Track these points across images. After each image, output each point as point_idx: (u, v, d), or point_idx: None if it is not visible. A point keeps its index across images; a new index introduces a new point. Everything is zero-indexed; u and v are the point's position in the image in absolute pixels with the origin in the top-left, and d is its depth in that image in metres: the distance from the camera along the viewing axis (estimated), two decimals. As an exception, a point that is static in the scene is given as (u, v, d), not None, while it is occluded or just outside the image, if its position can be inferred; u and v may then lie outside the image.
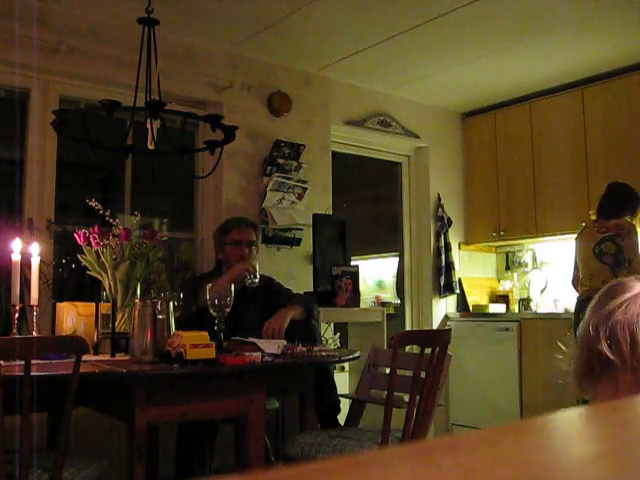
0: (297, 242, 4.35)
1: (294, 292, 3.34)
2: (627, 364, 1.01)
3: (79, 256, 2.74)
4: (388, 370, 2.41)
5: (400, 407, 2.51)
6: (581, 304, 3.69)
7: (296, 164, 4.37)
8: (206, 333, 2.19)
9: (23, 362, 1.72)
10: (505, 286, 5.51)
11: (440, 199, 5.37)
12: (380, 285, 5.97)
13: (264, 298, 3.13)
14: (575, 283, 3.98)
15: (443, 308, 5.31)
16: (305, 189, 4.39)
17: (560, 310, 4.59)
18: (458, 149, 5.59)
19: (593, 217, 4.02)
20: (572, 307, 4.72)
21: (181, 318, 2.43)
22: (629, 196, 3.84)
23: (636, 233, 3.73)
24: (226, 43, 4.14)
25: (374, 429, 2.51)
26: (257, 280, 2.83)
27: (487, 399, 4.65)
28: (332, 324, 4.33)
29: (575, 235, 4.16)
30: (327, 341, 4.00)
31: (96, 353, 2.47)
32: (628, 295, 1.05)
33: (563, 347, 1.16)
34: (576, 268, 3.94)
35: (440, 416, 4.72)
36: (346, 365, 4.20)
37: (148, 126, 2.64)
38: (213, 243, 3.30)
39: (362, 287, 4.53)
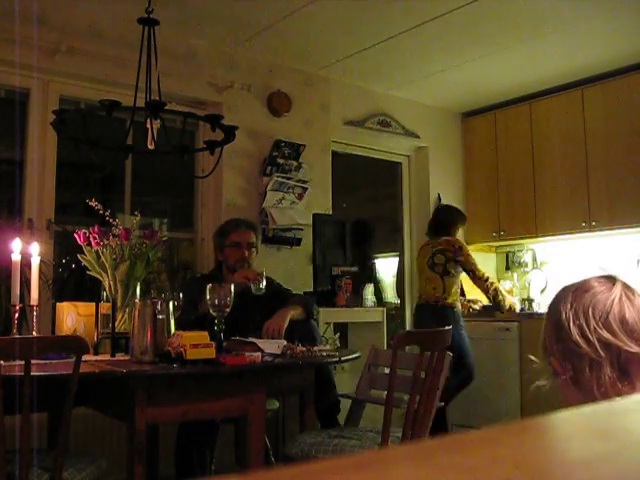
0: (297, 242, 4.35)
1: (293, 292, 3.34)
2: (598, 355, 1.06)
3: (79, 256, 2.74)
4: (388, 370, 2.41)
5: (400, 407, 2.51)
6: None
7: (296, 164, 4.37)
8: (206, 333, 2.19)
9: (23, 362, 1.72)
10: (505, 286, 5.50)
11: (440, 199, 5.37)
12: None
13: (264, 298, 3.13)
14: None
15: (443, 308, 5.30)
16: (305, 189, 4.39)
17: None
18: (458, 149, 5.59)
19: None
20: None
21: (180, 322, 2.43)
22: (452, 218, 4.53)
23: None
24: (226, 43, 4.14)
25: (374, 429, 2.51)
26: (263, 287, 2.82)
27: (487, 399, 4.65)
28: (332, 324, 4.33)
29: (574, 235, 4.21)
30: (327, 341, 4.00)
31: (96, 353, 2.47)
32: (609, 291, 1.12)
33: (537, 360, 1.19)
34: None
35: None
36: (346, 365, 4.20)
37: (148, 126, 2.64)
38: (213, 245, 3.30)
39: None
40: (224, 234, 3.15)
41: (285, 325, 2.82)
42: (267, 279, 3.16)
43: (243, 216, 4.16)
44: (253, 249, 3.12)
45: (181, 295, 2.49)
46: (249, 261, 3.12)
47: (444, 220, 4.49)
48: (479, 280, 4.28)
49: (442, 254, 4.26)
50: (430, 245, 4.38)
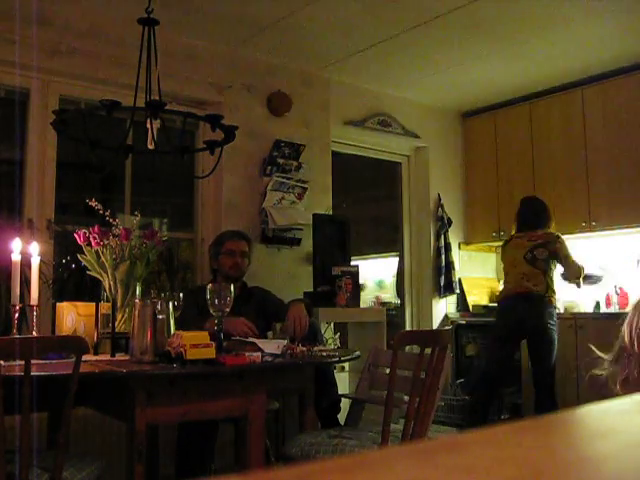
0: (297, 242, 4.36)
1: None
2: None
3: (79, 256, 2.74)
4: (388, 370, 2.41)
5: (400, 407, 2.51)
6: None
7: (296, 164, 4.37)
8: (206, 333, 2.19)
9: (23, 362, 1.72)
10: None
11: (440, 199, 5.37)
12: (380, 285, 5.97)
13: (257, 305, 3.20)
14: None
15: (443, 308, 5.31)
16: (305, 189, 4.39)
17: (560, 310, 4.58)
18: (458, 149, 5.59)
19: (513, 232, 4.30)
20: (571, 307, 4.73)
21: (181, 319, 2.43)
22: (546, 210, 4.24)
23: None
24: (226, 43, 4.14)
25: (374, 429, 2.51)
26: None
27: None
28: (332, 324, 4.33)
29: (574, 235, 4.20)
30: (327, 341, 4.00)
31: (96, 353, 2.47)
32: None
33: (597, 352, 1.17)
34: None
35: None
36: (346, 365, 4.20)
37: (148, 126, 2.64)
38: (208, 255, 3.41)
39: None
40: (220, 243, 3.29)
41: (306, 315, 2.94)
42: (260, 289, 3.25)
43: (243, 216, 4.18)
44: (246, 258, 3.26)
45: (181, 295, 2.50)
46: (242, 269, 3.23)
47: (541, 212, 4.19)
48: (572, 264, 4.07)
49: (545, 248, 4.02)
50: (526, 238, 4.10)
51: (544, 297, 3.98)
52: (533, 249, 4.05)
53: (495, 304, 5.32)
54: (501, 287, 4.38)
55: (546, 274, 4.01)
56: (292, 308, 3.01)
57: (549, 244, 4.03)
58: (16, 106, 3.59)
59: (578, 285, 4.15)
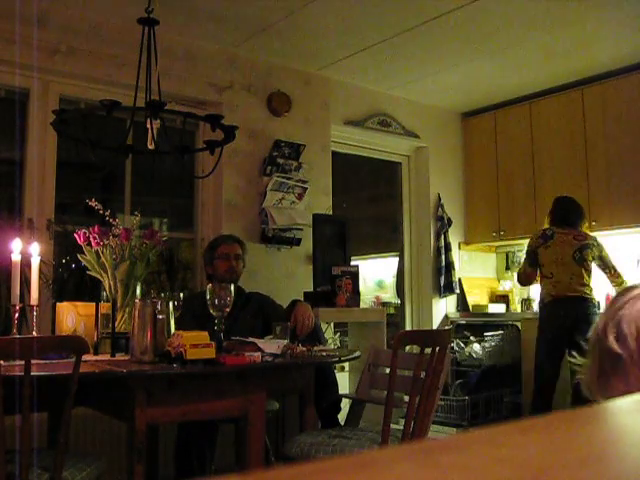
0: (297, 242, 4.36)
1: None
2: (634, 358, 1.02)
3: (79, 256, 2.74)
4: (388, 370, 2.41)
5: (400, 407, 2.51)
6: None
7: (296, 164, 4.37)
8: (206, 333, 2.19)
9: (23, 362, 1.72)
10: (505, 286, 5.51)
11: (440, 199, 5.37)
12: (380, 285, 5.97)
13: (256, 309, 3.20)
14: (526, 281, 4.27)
15: (443, 308, 5.31)
16: (305, 189, 4.39)
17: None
18: (458, 149, 5.59)
19: (546, 225, 4.20)
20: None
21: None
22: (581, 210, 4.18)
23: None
24: (226, 43, 4.14)
25: (374, 429, 2.51)
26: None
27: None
28: (332, 324, 4.33)
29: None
30: (327, 341, 4.00)
31: (96, 353, 2.47)
32: (635, 292, 1.07)
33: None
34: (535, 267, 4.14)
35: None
36: (346, 365, 4.20)
37: (148, 126, 2.64)
38: (203, 261, 3.41)
39: (362, 287, 4.53)
40: (213, 248, 3.29)
41: (311, 315, 3.00)
42: (259, 294, 3.27)
43: (243, 216, 4.18)
44: (240, 261, 3.27)
45: (181, 297, 2.50)
46: (237, 272, 3.23)
47: (578, 211, 4.12)
48: (615, 273, 4.06)
49: (591, 250, 3.98)
50: (572, 236, 4.01)
51: (592, 300, 3.92)
52: (582, 249, 3.97)
53: (493, 304, 5.33)
54: (536, 285, 4.22)
55: (590, 276, 3.97)
56: (299, 307, 3.04)
57: (595, 247, 3.99)
58: (16, 106, 3.59)
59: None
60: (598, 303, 4.00)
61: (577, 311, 3.89)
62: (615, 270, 4.08)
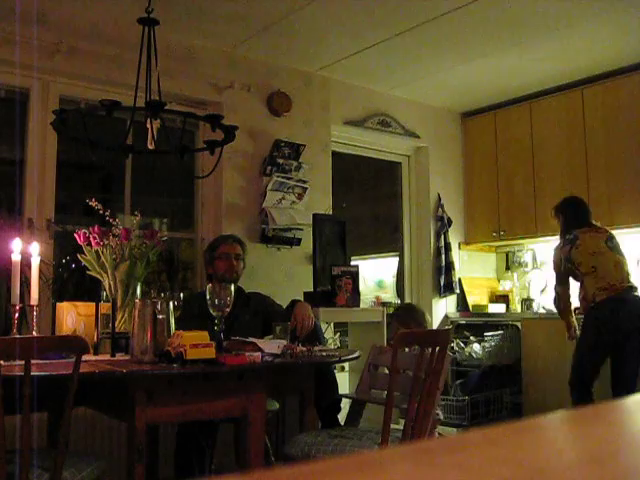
0: (297, 242, 4.36)
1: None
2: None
3: (79, 256, 2.74)
4: (388, 370, 2.41)
5: (400, 407, 2.51)
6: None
7: (296, 164, 4.37)
8: (206, 333, 2.19)
9: (23, 362, 1.72)
10: (505, 286, 5.51)
11: (440, 199, 5.37)
12: (380, 285, 5.96)
13: (255, 309, 3.21)
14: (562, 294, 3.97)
15: (443, 308, 5.31)
16: (305, 189, 4.39)
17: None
18: (458, 149, 5.59)
19: (553, 220, 4.13)
20: (572, 307, 4.71)
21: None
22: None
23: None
24: (226, 43, 4.14)
25: (374, 429, 2.51)
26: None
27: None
28: (332, 324, 4.33)
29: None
30: (327, 341, 4.00)
31: (96, 353, 2.47)
32: None
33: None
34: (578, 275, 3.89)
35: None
36: (346, 365, 4.20)
37: (148, 126, 2.64)
38: (204, 261, 3.42)
39: (362, 287, 4.53)
40: (214, 248, 3.30)
41: (312, 315, 3.00)
42: (259, 295, 3.26)
43: (243, 216, 4.18)
44: (240, 261, 3.27)
45: (181, 297, 2.50)
46: (238, 272, 3.24)
47: (588, 209, 4.00)
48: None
49: (616, 240, 3.83)
50: (594, 231, 3.86)
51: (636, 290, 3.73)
52: (611, 238, 3.82)
53: (493, 304, 5.33)
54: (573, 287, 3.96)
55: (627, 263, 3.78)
56: (299, 307, 3.03)
57: (614, 237, 3.85)
58: (16, 106, 3.59)
59: None
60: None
61: (627, 307, 3.63)
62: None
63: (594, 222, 3.99)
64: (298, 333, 2.89)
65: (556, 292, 4.01)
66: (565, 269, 3.88)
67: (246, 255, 3.34)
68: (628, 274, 3.75)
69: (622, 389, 3.60)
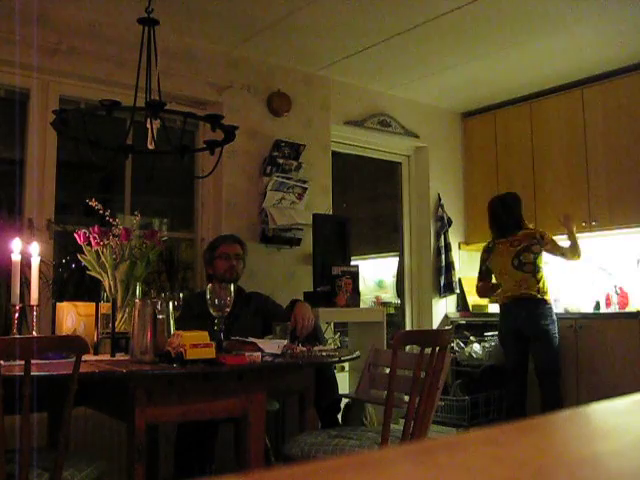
0: (297, 242, 4.36)
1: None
2: None
3: (79, 256, 2.74)
4: (388, 370, 2.41)
5: (400, 407, 2.51)
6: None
7: (296, 164, 4.37)
8: (206, 333, 2.19)
9: (23, 362, 1.72)
10: (505, 286, 5.50)
11: (440, 199, 5.37)
12: (380, 285, 5.97)
13: (256, 309, 3.21)
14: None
15: (443, 308, 5.31)
16: (305, 189, 4.39)
17: (560, 310, 4.59)
18: (458, 149, 5.59)
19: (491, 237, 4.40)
20: (571, 307, 4.73)
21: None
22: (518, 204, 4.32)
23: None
24: (226, 43, 4.14)
25: (374, 429, 2.51)
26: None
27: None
28: (332, 324, 4.33)
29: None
30: (327, 341, 4.00)
31: (96, 353, 2.47)
32: None
33: None
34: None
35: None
36: (346, 365, 4.20)
37: (148, 126, 2.64)
38: (203, 261, 3.41)
39: (362, 287, 4.53)
40: (213, 248, 3.30)
41: (311, 316, 3.01)
42: (259, 294, 3.27)
43: (243, 216, 4.18)
44: (240, 261, 3.28)
45: (181, 297, 2.50)
46: (238, 272, 3.24)
47: (514, 211, 4.28)
48: (566, 250, 4.21)
49: (528, 252, 4.12)
50: (508, 244, 4.20)
51: (538, 299, 4.08)
52: (519, 254, 4.15)
53: (493, 304, 5.33)
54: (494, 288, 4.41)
55: (536, 276, 4.11)
56: (299, 307, 3.03)
57: (532, 247, 4.13)
58: (16, 106, 3.59)
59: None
60: (543, 300, 4.10)
61: (521, 310, 4.12)
62: (561, 251, 4.20)
63: (523, 225, 4.24)
64: (298, 333, 2.89)
65: (476, 286, 4.49)
66: (486, 269, 4.38)
67: (246, 255, 3.34)
68: (528, 288, 4.10)
69: (542, 386, 4.14)
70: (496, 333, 4.81)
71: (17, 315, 2.32)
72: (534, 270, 4.12)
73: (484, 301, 5.42)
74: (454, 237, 5.38)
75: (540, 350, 4.10)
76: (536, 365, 4.15)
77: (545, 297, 4.10)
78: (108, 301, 2.61)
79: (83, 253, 2.68)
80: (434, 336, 2.44)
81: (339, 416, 3.24)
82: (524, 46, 4.26)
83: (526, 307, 4.10)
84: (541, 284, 4.11)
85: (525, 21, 3.88)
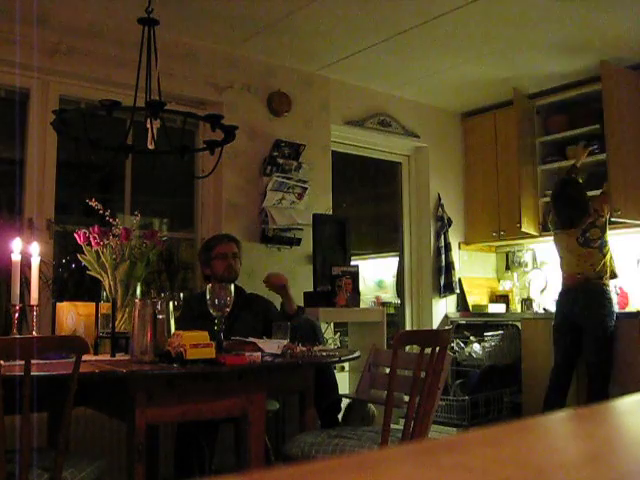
0: (297, 242, 4.35)
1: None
2: None
3: (79, 256, 2.74)
4: (388, 370, 2.41)
5: (400, 407, 2.51)
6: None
7: (296, 164, 4.37)
8: (206, 333, 2.19)
9: (23, 362, 1.72)
10: (505, 286, 5.51)
11: (440, 199, 5.37)
12: (380, 285, 5.96)
13: (258, 313, 3.21)
14: None
15: (443, 308, 5.31)
16: (305, 189, 4.39)
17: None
18: (458, 149, 5.59)
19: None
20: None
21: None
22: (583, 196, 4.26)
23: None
24: (226, 43, 4.14)
25: (374, 429, 2.51)
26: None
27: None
28: (332, 324, 4.33)
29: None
30: (327, 341, 4.00)
31: (96, 353, 2.47)
32: None
33: None
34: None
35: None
36: (346, 365, 4.20)
37: (148, 126, 2.64)
38: (200, 262, 3.42)
39: (362, 287, 4.53)
40: (209, 249, 3.30)
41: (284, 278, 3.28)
42: (259, 296, 3.31)
43: (243, 216, 4.18)
44: (237, 259, 3.28)
45: (181, 297, 2.50)
46: (236, 270, 3.24)
47: (579, 202, 4.21)
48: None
49: (594, 227, 4.12)
50: (571, 232, 4.19)
51: (596, 285, 4.07)
52: (585, 232, 4.13)
53: (493, 304, 5.33)
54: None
55: (602, 250, 4.09)
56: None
57: (596, 221, 4.12)
58: (16, 106, 3.59)
59: None
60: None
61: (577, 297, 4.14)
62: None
63: (587, 217, 4.20)
64: (272, 282, 3.22)
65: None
66: None
67: (242, 253, 3.34)
68: (595, 263, 4.10)
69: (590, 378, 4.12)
70: (496, 333, 4.82)
71: (17, 315, 2.32)
72: (600, 245, 4.10)
73: (484, 301, 5.42)
74: (454, 237, 5.38)
75: (591, 343, 4.04)
76: (585, 358, 4.12)
77: (605, 281, 4.07)
78: (108, 301, 2.61)
79: (83, 253, 2.68)
80: (434, 336, 2.44)
81: (339, 416, 3.24)
82: (524, 46, 4.25)
83: (583, 296, 4.06)
84: (607, 258, 4.10)
85: (525, 21, 3.88)
